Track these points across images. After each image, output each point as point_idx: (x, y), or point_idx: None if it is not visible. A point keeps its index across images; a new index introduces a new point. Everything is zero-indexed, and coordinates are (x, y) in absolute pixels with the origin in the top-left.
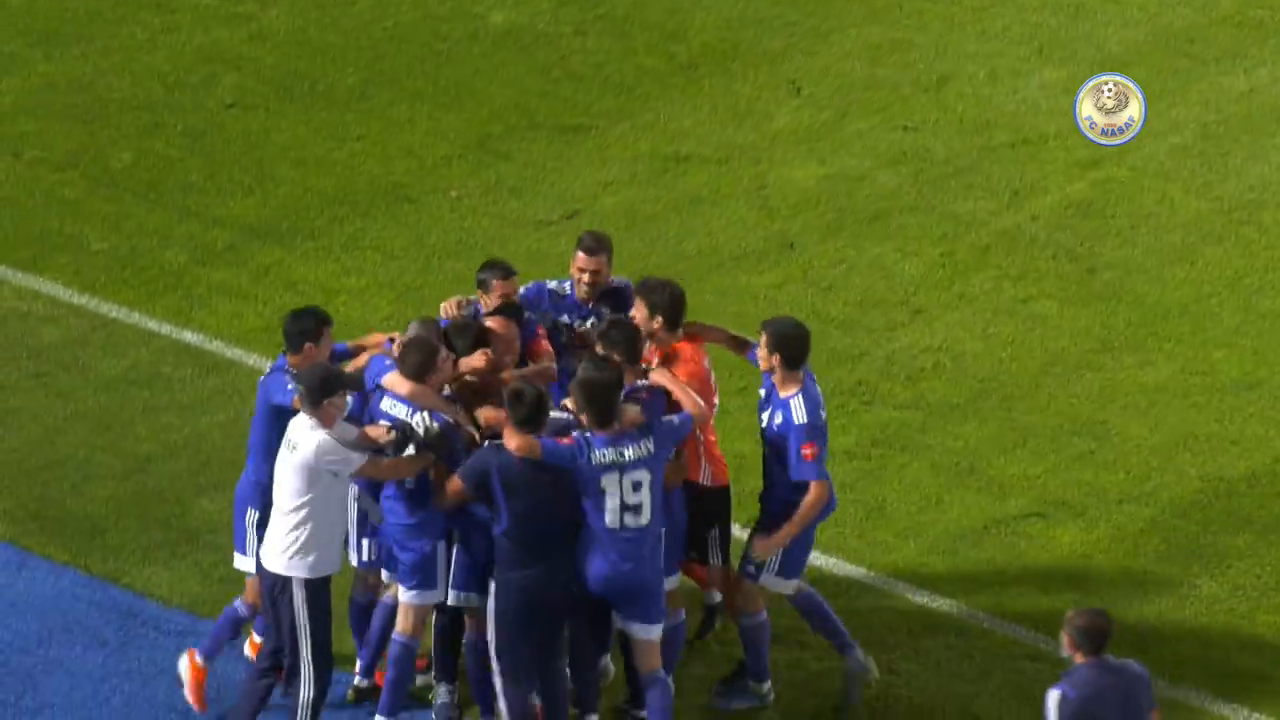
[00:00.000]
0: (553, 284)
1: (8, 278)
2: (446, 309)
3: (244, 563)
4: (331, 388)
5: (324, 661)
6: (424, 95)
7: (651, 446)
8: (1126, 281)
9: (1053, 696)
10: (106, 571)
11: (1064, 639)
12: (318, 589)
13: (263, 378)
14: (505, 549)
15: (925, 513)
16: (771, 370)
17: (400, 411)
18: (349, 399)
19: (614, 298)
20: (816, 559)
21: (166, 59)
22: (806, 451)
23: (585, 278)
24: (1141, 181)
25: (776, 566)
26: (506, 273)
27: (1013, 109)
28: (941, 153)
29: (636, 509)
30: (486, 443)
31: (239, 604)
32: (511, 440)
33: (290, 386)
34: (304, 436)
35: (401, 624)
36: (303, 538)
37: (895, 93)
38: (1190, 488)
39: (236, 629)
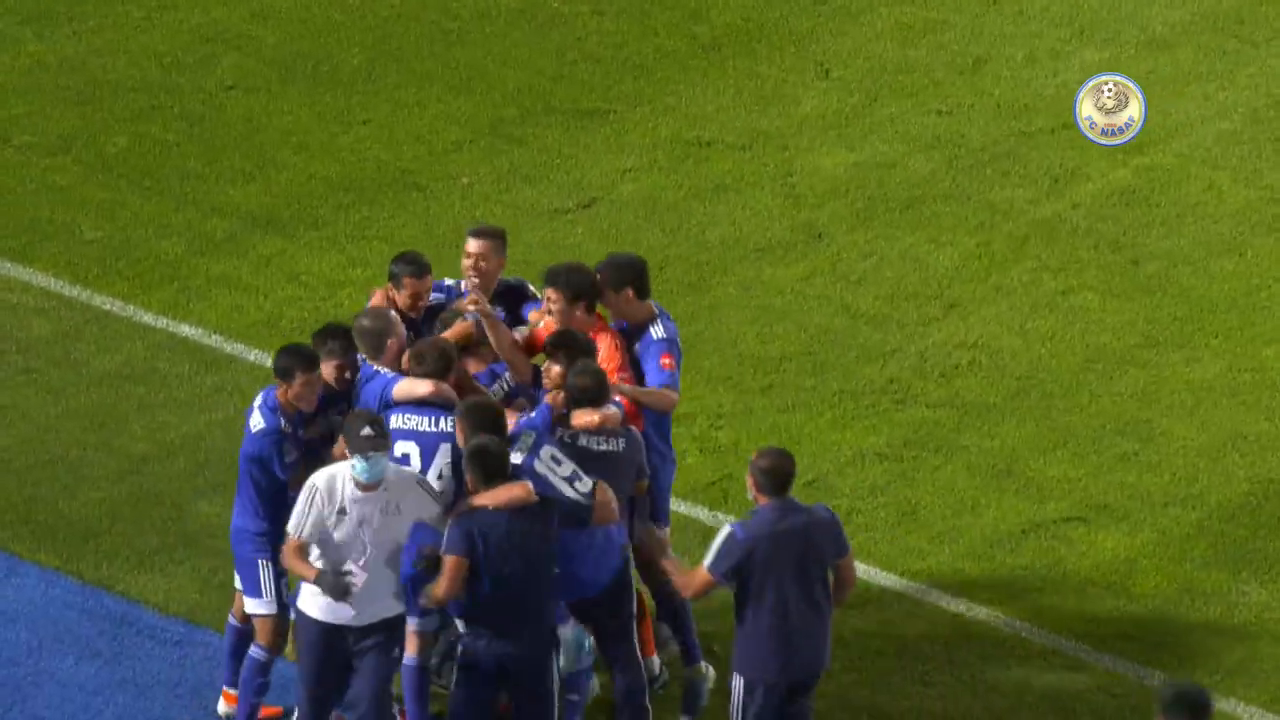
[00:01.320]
0: (450, 281)
1: None
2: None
3: (260, 606)
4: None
5: None
6: (434, 77)
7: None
8: (1172, 273)
9: (722, 533)
10: (99, 578)
11: (748, 481)
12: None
13: (252, 414)
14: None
15: (960, 517)
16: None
17: (416, 422)
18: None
19: (509, 296)
20: None
21: (163, 38)
22: (665, 361)
23: (468, 263)
24: (1188, 169)
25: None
26: (420, 270)
27: (1052, 93)
28: (977, 138)
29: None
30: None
31: (256, 650)
32: (490, 499)
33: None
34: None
35: (409, 648)
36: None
37: (929, 75)
38: (1239, 490)
39: (265, 673)
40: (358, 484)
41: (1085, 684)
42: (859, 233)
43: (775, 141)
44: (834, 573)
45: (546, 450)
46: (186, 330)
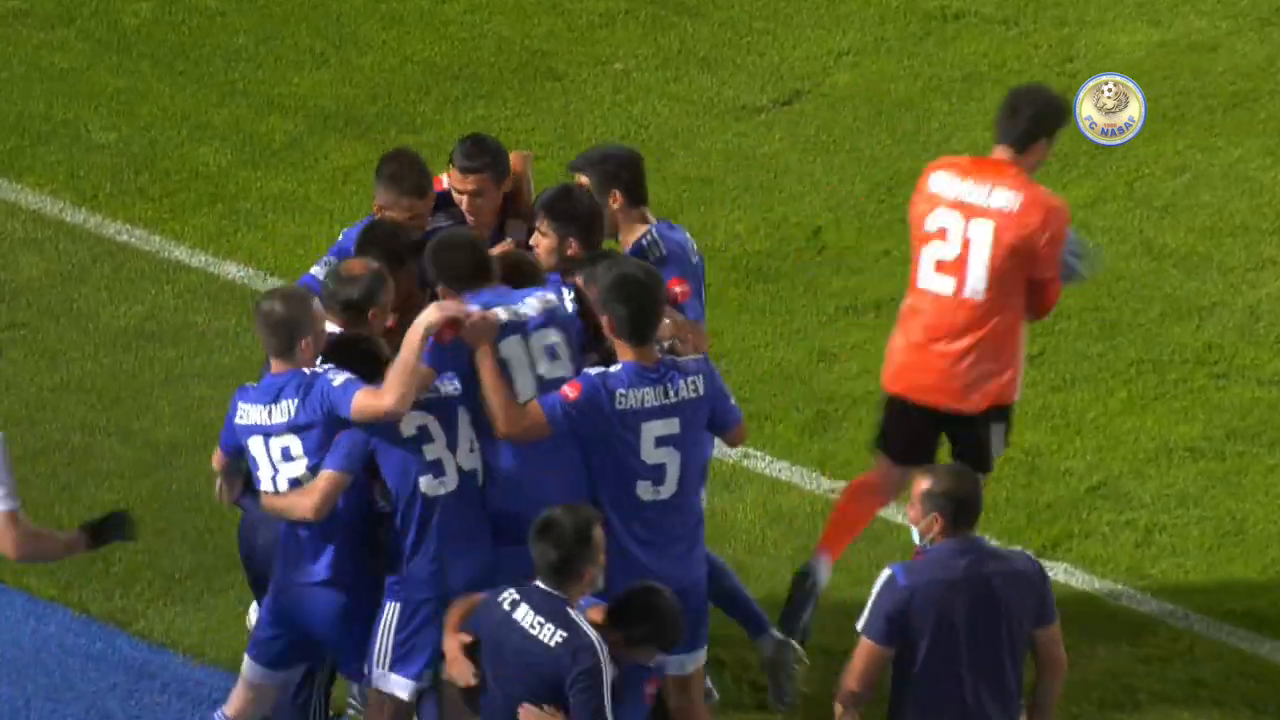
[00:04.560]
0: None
1: None
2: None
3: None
4: None
5: None
6: None
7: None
8: None
9: (882, 576)
10: (110, 612)
11: (911, 512)
12: None
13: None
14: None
15: None
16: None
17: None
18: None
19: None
20: (1133, 599)
21: None
22: (676, 289)
23: (464, 202)
24: None
25: None
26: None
27: None
28: None
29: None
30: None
31: None
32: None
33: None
34: None
35: None
36: None
37: None
38: None
39: None
40: None
41: None
42: (1165, 141)
43: (1050, 13)
44: (1034, 649)
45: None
46: (232, 271)
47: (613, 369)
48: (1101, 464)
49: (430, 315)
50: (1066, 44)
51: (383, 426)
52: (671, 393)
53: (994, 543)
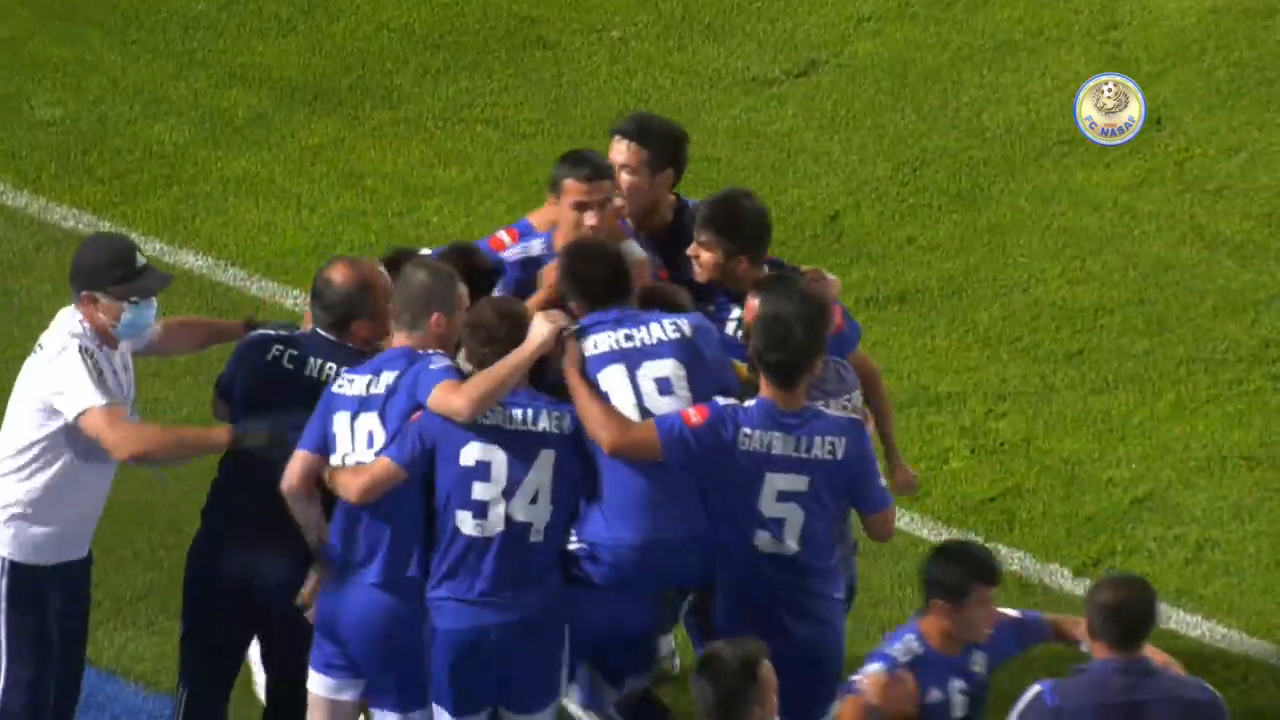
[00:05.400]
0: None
1: None
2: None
3: None
4: None
5: None
6: None
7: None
8: None
9: (1026, 696)
10: None
11: (1084, 622)
12: None
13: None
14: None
15: None
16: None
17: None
18: None
19: (674, 234)
20: (1183, 623)
21: None
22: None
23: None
24: None
25: None
26: (596, 172)
27: None
28: None
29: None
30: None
31: None
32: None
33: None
34: None
35: None
36: None
37: None
38: None
39: None
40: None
41: None
42: (1219, 117)
43: None
44: None
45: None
46: (190, 260)
47: (747, 403)
48: (1148, 473)
49: (543, 331)
50: (1109, 9)
51: (446, 437)
52: (804, 447)
53: (1172, 671)
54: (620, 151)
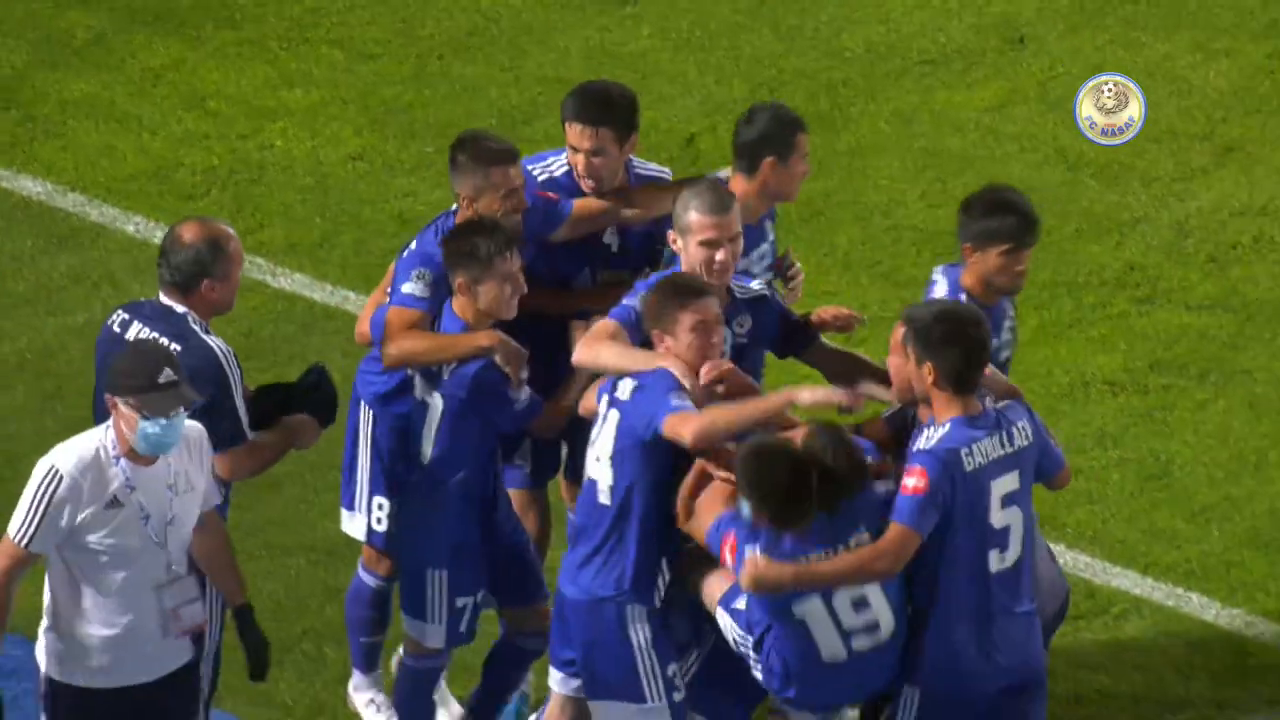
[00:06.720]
0: (555, 159)
1: None
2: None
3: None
4: None
5: None
6: None
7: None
8: None
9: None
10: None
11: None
12: None
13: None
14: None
15: (1238, 482)
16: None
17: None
18: None
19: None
20: None
21: None
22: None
23: (581, 161)
24: None
25: None
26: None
27: None
28: None
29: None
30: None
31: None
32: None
33: None
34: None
35: None
36: None
37: None
38: None
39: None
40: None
41: None
42: (1082, 35)
43: None
44: None
45: None
46: (28, 186)
47: (936, 432)
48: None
49: (814, 395)
50: None
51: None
52: (1008, 441)
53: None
54: (587, 137)
